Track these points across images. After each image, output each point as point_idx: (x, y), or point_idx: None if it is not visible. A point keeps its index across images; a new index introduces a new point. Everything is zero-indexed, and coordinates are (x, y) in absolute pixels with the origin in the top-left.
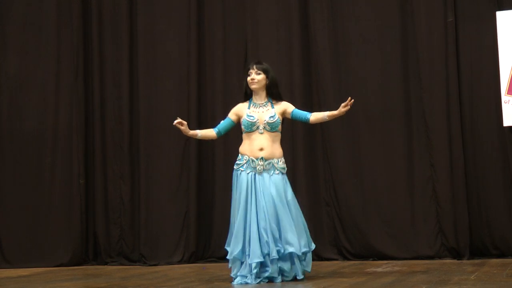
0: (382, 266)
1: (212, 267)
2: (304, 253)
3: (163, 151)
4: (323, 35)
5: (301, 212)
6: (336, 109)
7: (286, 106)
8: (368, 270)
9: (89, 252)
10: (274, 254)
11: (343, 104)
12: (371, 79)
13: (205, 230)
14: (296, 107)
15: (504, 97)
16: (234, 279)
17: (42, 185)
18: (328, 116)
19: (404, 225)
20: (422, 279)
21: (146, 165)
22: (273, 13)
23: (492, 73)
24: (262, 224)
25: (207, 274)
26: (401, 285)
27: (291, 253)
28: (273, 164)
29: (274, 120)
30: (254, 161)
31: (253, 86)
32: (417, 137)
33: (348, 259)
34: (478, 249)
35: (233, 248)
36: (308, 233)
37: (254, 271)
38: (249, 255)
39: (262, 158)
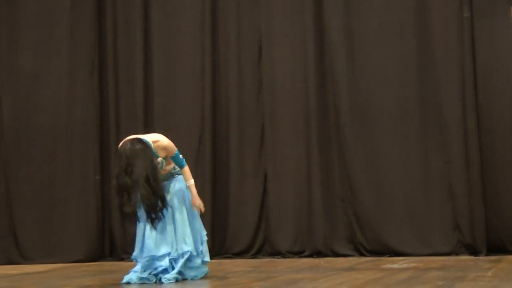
0: (398, 263)
1: (228, 264)
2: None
3: (178, 147)
4: (338, 31)
5: None
6: (350, 104)
7: (167, 153)
8: (384, 266)
9: (105, 248)
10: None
11: (197, 203)
12: (386, 74)
13: (220, 227)
14: (311, 103)
15: None
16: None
17: (58, 181)
18: (189, 187)
19: (420, 221)
20: (438, 275)
21: None
22: (287, 7)
23: (509, 69)
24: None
25: (222, 270)
26: (417, 282)
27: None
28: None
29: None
30: None
31: None
32: (433, 133)
33: (364, 255)
34: (495, 245)
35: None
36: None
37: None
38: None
39: None
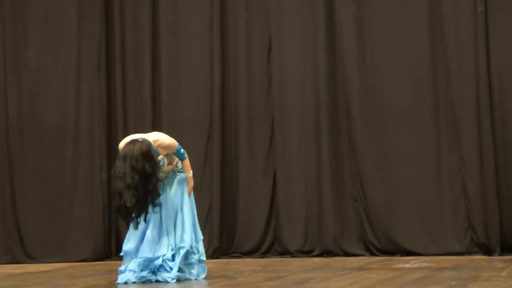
0: (410, 262)
1: (237, 263)
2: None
3: (186, 145)
4: (349, 27)
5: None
6: (361, 102)
7: (169, 151)
8: (396, 266)
9: (112, 247)
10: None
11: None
12: (398, 71)
13: (229, 225)
14: (321, 101)
15: None
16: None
17: (63, 179)
18: (187, 178)
19: (433, 220)
20: (451, 275)
21: None
22: (297, 4)
23: None
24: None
25: (231, 270)
26: (430, 282)
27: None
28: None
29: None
30: None
31: None
32: (446, 130)
33: (375, 255)
34: (509, 245)
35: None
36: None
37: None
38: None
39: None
